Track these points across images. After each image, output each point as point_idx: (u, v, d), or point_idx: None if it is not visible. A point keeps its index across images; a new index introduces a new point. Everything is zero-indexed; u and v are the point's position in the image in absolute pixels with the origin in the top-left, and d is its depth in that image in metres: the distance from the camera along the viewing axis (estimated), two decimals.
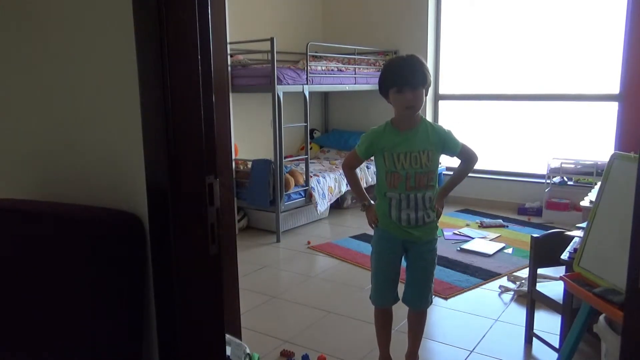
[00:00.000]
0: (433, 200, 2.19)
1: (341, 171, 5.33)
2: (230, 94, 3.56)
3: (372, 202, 2.31)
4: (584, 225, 2.29)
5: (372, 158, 2.27)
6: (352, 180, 2.39)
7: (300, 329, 2.88)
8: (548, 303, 2.52)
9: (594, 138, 5.25)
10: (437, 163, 2.20)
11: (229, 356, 1.90)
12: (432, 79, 2.19)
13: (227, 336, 1.89)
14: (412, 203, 2.15)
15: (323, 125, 6.68)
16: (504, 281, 3.51)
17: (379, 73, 2.22)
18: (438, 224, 2.27)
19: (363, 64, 5.64)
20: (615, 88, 4.97)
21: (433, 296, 2.33)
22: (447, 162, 5.66)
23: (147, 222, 1.30)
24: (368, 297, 2.39)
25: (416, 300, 2.30)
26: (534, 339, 2.67)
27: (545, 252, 2.55)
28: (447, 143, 2.19)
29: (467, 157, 2.26)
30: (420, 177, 2.13)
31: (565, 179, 5.16)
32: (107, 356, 1.30)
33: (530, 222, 5.00)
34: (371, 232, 2.38)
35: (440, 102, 6.04)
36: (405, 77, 2.06)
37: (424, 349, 2.65)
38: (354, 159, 2.32)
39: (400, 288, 2.33)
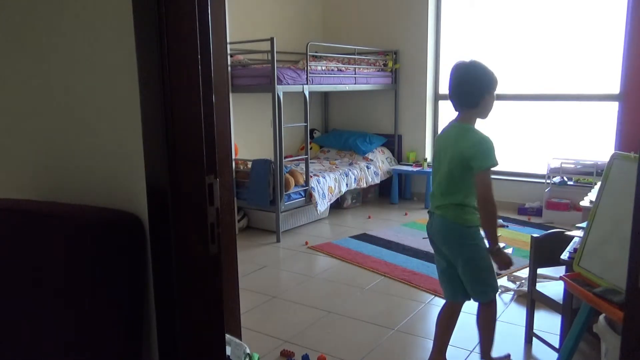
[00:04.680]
0: None
1: (341, 171, 5.35)
2: (230, 94, 3.56)
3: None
4: (584, 225, 2.29)
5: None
6: (496, 215, 2.24)
7: (300, 329, 2.88)
8: (548, 303, 2.52)
9: (594, 138, 5.25)
10: None
11: (229, 356, 1.90)
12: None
13: (227, 336, 1.89)
14: None
15: (323, 125, 6.68)
16: (504, 281, 3.51)
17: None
18: None
19: (363, 64, 5.64)
20: (615, 88, 4.97)
21: (485, 290, 2.31)
22: None
23: (147, 222, 1.30)
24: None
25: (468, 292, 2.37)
26: (534, 339, 2.67)
27: (545, 252, 2.55)
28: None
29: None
30: None
31: (565, 179, 5.16)
32: (107, 356, 1.30)
33: (530, 222, 5.01)
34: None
35: (440, 102, 6.03)
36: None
37: (424, 349, 2.65)
38: (491, 180, 2.30)
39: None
